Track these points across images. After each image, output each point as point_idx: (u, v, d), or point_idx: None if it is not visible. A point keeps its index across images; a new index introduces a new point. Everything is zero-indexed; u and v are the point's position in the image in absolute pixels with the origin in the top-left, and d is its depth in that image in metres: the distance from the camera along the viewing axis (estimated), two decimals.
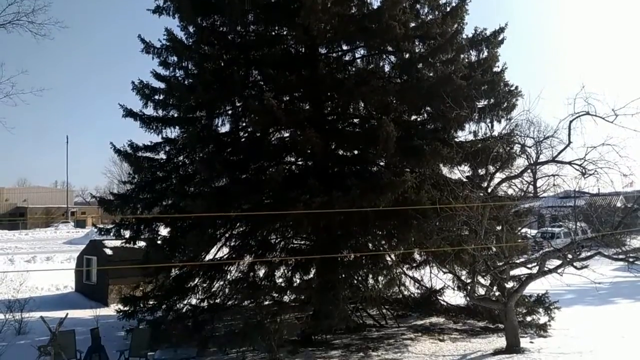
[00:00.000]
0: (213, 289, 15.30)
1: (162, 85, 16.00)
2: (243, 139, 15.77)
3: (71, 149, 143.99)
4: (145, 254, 15.65)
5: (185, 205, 13.84)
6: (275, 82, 14.12)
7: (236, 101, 15.49)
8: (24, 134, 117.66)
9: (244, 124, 15.79)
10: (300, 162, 16.04)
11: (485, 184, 14.42)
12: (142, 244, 16.25)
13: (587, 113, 12.81)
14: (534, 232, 23.94)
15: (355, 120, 16.02)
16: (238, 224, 15.72)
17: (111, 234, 16.08)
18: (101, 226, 17.11)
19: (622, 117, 12.34)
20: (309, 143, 13.47)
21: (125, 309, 15.18)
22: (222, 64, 15.26)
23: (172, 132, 15.98)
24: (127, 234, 15.88)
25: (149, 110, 15.86)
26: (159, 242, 15.71)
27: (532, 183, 15.93)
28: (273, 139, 15.64)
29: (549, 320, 14.97)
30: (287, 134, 15.35)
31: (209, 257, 15.72)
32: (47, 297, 21.09)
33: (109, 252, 20.25)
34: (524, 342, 13.57)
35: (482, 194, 13.54)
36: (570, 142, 13.24)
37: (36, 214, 68.56)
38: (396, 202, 12.74)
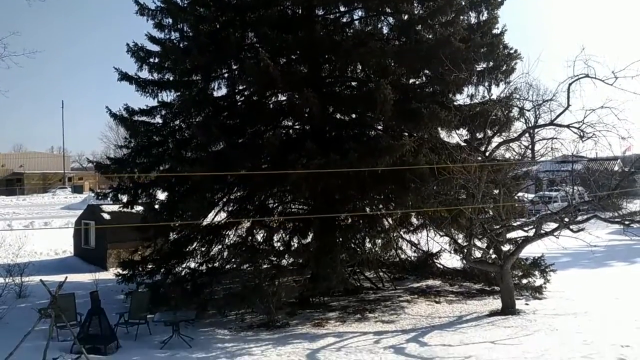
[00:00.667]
0: (211, 253, 15.39)
1: (157, 48, 15.77)
2: (239, 103, 15.64)
3: (67, 115, 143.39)
4: (142, 218, 15.69)
5: (182, 170, 13.81)
6: (272, 43, 13.91)
7: (232, 64, 15.30)
8: (19, 99, 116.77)
9: (240, 88, 15.65)
10: (297, 126, 15.95)
11: (483, 148, 14.38)
12: (139, 208, 16.27)
13: (587, 76, 12.70)
14: (531, 196, 24.00)
15: (353, 84, 15.87)
16: (236, 189, 15.73)
17: (109, 198, 16.08)
18: (99, 191, 17.08)
19: (621, 80, 12.27)
20: (307, 105, 13.36)
21: (124, 272, 15.30)
22: (218, 26, 15.03)
23: (168, 96, 15.85)
24: (124, 198, 15.87)
25: (144, 74, 15.70)
26: (156, 206, 15.73)
27: (529, 147, 15.90)
28: (270, 102, 15.51)
29: (544, 283, 15.12)
30: (284, 98, 15.20)
31: (207, 221, 15.75)
32: (46, 262, 21.20)
33: (106, 216, 20.30)
34: (520, 304, 13.74)
35: (480, 158, 13.51)
36: (569, 105, 13.17)
37: (33, 179, 68.41)
38: (394, 166, 12.72)
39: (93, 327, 11.44)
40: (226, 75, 15.58)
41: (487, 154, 14.11)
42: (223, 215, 15.91)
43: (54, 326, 10.89)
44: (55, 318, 10.68)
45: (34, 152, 76.80)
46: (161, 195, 16.25)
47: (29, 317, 11.78)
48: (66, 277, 11.21)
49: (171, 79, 15.76)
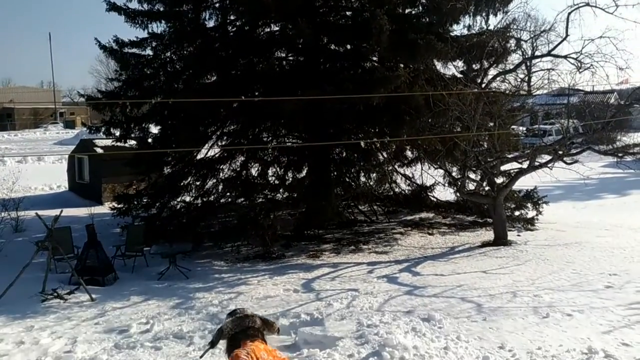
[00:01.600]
0: (206, 187, 15.39)
1: None
2: (231, 34, 15.23)
3: (56, 49, 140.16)
4: (136, 152, 15.58)
5: (175, 102, 13.59)
6: None
7: None
8: (5, 31, 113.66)
9: (232, 18, 15.20)
10: (291, 58, 15.61)
11: (479, 80, 14.20)
12: (133, 142, 16.15)
13: (587, 4, 12.42)
14: (525, 130, 24.04)
15: (348, 13, 15.42)
16: (229, 122, 15.57)
17: (101, 132, 15.92)
18: (91, 124, 16.89)
19: (622, 9, 12.03)
20: (301, 35, 13.03)
21: (119, 206, 15.34)
22: None
23: (159, 27, 15.34)
24: (117, 132, 15.71)
25: (134, 4, 15.18)
26: (149, 140, 15.61)
27: (526, 79, 15.70)
28: (262, 33, 15.11)
29: (536, 215, 15.31)
30: (277, 28, 14.81)
31: (200, 156, 15.68)
32: (40, 197, 21.25)
33: (99, 150, 20.18)
34: (512, 235, 13.94)
35: (475, 89, 13.36)
36: (567, 35, 12.93)
37: (24, 114, 67.60)
38: (389, 98, 12.57)
39: (90, 259, 11.57)
40: (217, 5, 15.10)
41: (483, 85, 13.95)
42: (217, 150, 15.83)
43: (52, 259, 11.04)
44: (53, 251, 10.81)
45: (23, 87, 75.49)
46: (154, 129, 16.11)
47: (27, 250, 11.89)
48: (61, 211, 11.26)
49: (161, 9, 15.25)
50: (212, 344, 3.62)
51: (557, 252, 12.31)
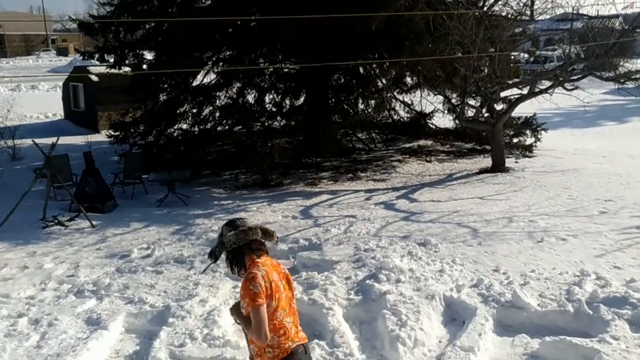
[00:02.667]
0: (203, 114, 15.24)
1: None
2: None
3: None
4: (131, 79, 15.32)
5: (169, 26, 13.24)
6: None
7: None
8: None
9: None
10: None
11: (481, 3, 13.78)
12: (127, 69, 15.85)
13: None
14: (527, 55, 23.58)
15: None
16: (224, 48, 15.22)
17: (95, 58, 15.59)
18: (84, 51, 16.51)
19: None
20: None
21: (116, 134, 15.25)
22: None
23: None
24: (111, 59, 15.38)
25: None
26: (144, 67, 15.32)
27: (528, 3, 15.25)
28: None
29: (535, 142, 15.29)
30: None
31: (196, 83, 15.44)
32: (36, 125, 21.11)
33: (94, 78, 19.87)
34: (509, 162, 13.96)
35: (477, 13, 12.99)
36: None
37: (14, 41, 66.12)
38: (389, 22, 12.24)
39: (89, 186, 11.60)
40: None
41: (484, 9, 13.56)
42: (213, 76, 15.57)
43: (51, 186, 11.07)
44: (51, 178, 10.82)
45: (13, 12, 73.46)
46: (149, 55, 15.77)
47: (25, 178, 11.92)
48: (58, 138, 11.19)
49: None
50: (215, 258, 3.45)
51: (553, 179, 12.37)
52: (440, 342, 5.79)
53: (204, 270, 5.56)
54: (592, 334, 5.64)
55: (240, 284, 3.50)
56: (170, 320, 6.14)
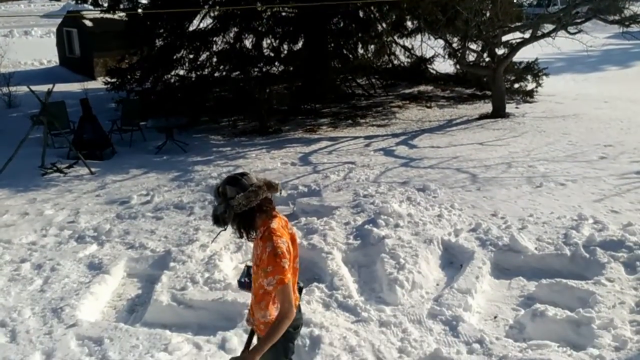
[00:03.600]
0: (200, 60, 15.00)
1: None
2: None
3: None
4: (126, 25, 15.01)
5: None
6: None
7: None
8: None
9: None
10: None
11: None
12: (123, 14, 15.53)
13: None
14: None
15: None
16: None
17: (88, 2, 15.23)
18: None
19: None
20: None
21: (113, 80, 15.04)
22: None
23: None
24: (105, 2, 15.03)
25: None
26: (139, 11, 14.97)
27: None
28: None
29: (536, 87, 15.12)
30: None
31: (192, 28, 15.12)
32: (31, 72, 20.83)
33: (89, 23, 19.47)
34: (510, 107, 13.85)
35: None
36: None
37: None
38: None
39: (87, 133, 11.53)
40: None
41: None
42: (209, 21, 15.23)
43: (48, 133, 11.00)
44: (48, 125, 10.74)
45: None
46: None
47: (22, 125, 11.84)
48: (54, 85, 11.07)
49: None
50: (224, 223, 3.10)
51: (554, 124, 12.30)
52: (437, 284, 5.87)
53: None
54: (588, 276, 5.72)
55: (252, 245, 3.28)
56: (172, 264, 6.21)
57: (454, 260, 6.37)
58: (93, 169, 10.20)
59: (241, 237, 3.21)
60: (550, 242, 6.39)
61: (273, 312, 3.20)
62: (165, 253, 6.55)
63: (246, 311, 3.57)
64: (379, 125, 13.36)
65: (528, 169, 9.16)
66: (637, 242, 6.15)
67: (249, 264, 3.47)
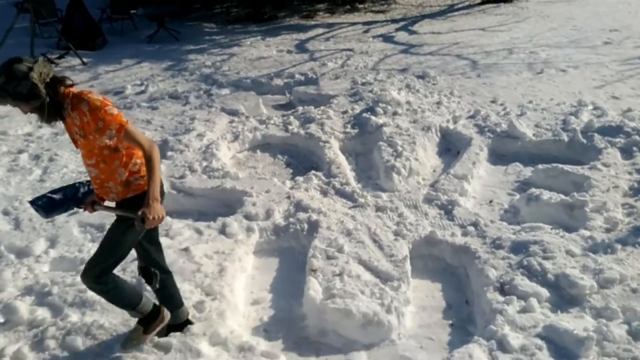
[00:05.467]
0: None
1: None
2: None
3: None
4: None
5: None
6: None
7: None
8: None
9: None
10: None
11: None
12: None
13: None
14: None
15: None
16: None
17: None
18: None
19: None
20: None
21: None
22: None
23: None
24: None
25: None
26: None
27: None
28: None
29: None
30: None
31: None
32: None
33: None
34: None
35: None
36: None
37: None
38: None
39: (76, 22, 11.14)
40: None
41: None
42: None
43: (35, 22, 10.61)
44: (35, 13, 10.34)
45: None
46: None
47: (7, 13, 11.40)
48: None
49: None
50: (39, 97, 2.71)
51: (558, 9, 11.89)
52: (434, 171, 5.90)
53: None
54: (584, 161, 5.74)
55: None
56: (169, 153, 6.21)
57: (451, 147, 6.37)
58: (85, 60, 9.96)
59: (48, 121, 2.84)
60: (549, 129, 6.36)
61: (130, 165, 2.99)
62: (162, 142, 6.52)
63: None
64: (377, 11, 12.91)
65: (529, 55, 8.95)
66: (636, 127, 6.12)
67: (49, 194, 3.16)
